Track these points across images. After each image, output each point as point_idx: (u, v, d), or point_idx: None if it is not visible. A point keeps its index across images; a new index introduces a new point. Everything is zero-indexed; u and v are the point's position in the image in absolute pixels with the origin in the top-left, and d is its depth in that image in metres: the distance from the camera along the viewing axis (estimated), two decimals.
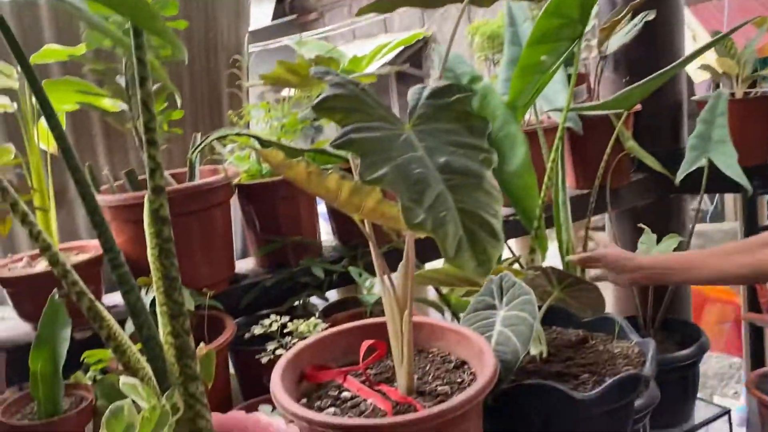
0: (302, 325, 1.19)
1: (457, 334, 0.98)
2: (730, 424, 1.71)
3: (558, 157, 1.45)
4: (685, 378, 1.64)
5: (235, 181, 1.46)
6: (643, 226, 1.63)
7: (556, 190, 1.46)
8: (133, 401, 0.69)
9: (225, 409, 1.22)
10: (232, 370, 1.40)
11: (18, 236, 1.62)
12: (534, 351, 1.06)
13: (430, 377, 0.93)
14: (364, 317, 1.41)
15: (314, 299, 1.51)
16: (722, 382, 4.10)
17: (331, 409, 0.87)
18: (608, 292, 2.78)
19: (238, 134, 1.23)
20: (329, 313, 1.48)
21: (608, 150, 1.54)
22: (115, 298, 1.33)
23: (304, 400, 0.91)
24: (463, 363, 0.95)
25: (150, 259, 0.77)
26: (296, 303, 1.40)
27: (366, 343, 0.96)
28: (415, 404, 0.84)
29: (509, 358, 0.91)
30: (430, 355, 0.99)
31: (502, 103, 1.37)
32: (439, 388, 0.89)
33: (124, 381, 0.71)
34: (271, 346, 1.18)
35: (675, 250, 1.56)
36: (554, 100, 1.49)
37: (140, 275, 1.08)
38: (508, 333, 0.95)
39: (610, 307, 2.67)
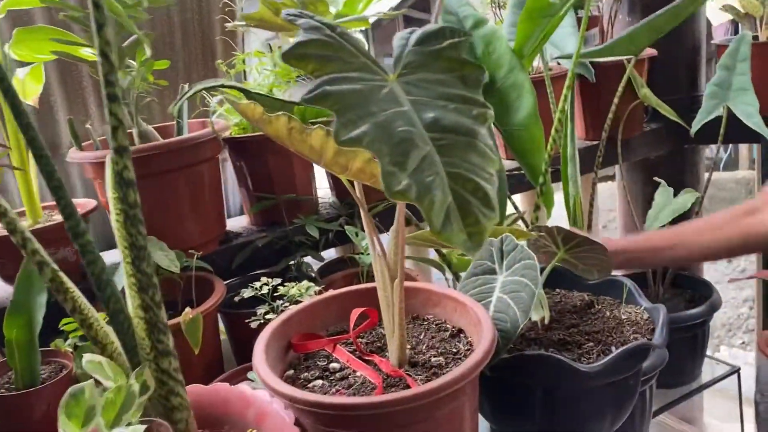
0: (293, 289, 1.13)
1: (454, 301, 0.92)
2: (740, 383, 1.66)
3: (567, 107, 1.37)
4: (694, 337, 1.59)
5: (226, 134, 1.39)
6: (658, 180, 1.55)
7: (564, 143, 1.37)
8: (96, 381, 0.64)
9: (215, 374, 1.18)
10: (225, 334, 1.35)
11: (8, 192, 1.57)
12: (536, 317, 1.00)
13: (424, 347, 0.87)
14: (360, 279, 1.35)
15: (310, 259, 1.46)
16: (730, 332, 4.07)
17: (319, 382, 0.82)
18: None
19: (222, 86, 1.15)
20: (325, 274, 1.43)
21: (616, 99, 1.45)
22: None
23: (291, 372, 0.86)
24: (460, 331, 0.89)
25: (114, 226, 0.71)
26: (290, 263, 1.34)
27: (356, 311, 0.90)
28: (406, 378, 0.79)
29: (508, 327, 0.85)
30: (426, 323, 0.94)
31: (509, 50, 1.27)
32: (433, 359, 0.83)
33: (88, 359, 0.66)
34: (261, 310, 1.13)
35: (692, 205, 1.48)
36: (563, 45, 1.39)
37: None
38: (508, 300, 0.89)
39: None
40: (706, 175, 1.97)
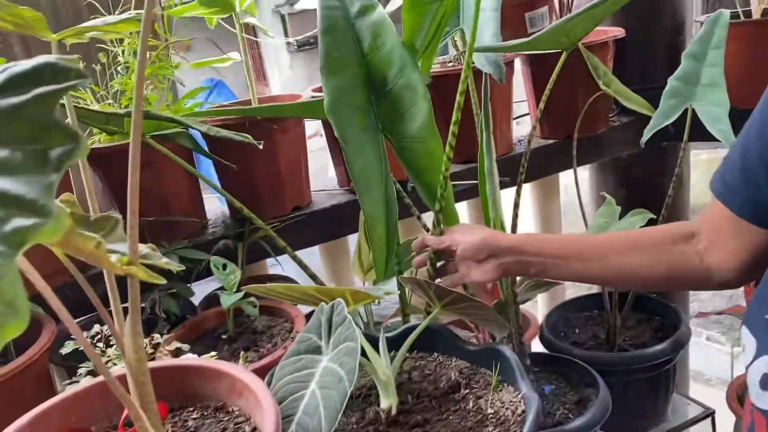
0: (111, 348, 0.93)
1: (254, 395, 0.70)
2: (714, 427, 1.42)
3: (483, 111, 1.12)
4: (656, 378, 1.34)
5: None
6: (606, 195, 1.28)
7: (480, 155, 1.13)
8: None
9: None
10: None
11: None
12: (384, 404, 0.77)
13: None
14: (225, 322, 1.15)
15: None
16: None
17: None
18: None
19: None
20: (210, 305, 1.23)
21: (549, 84, 1.19)
22: None
23: None
24: None
25: None
26: (148, 301, 1.14)
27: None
28: None
29: None
30: (226, 419, 0.73)
31: (399, 43, 1.02)
32: None
33: None
34: (82, 370, 0.94)
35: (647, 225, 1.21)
36: (481, 34, 1.12)
37: None
38: (318, 398, 0.67)
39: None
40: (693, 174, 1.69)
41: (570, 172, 1.37)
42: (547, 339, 1.42)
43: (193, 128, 0.96)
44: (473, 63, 1.16)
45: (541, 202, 1.62)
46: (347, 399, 0.65)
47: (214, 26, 1.25)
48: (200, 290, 1.27)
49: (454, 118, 0.95)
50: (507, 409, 0.74)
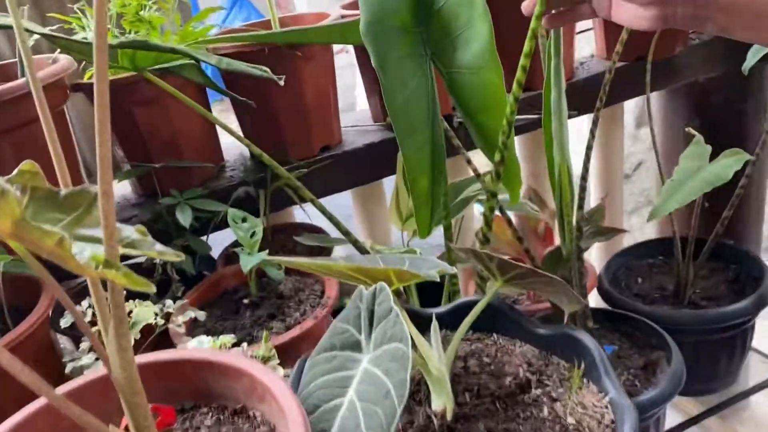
0: (143, 307, 0.81)
1: (277, 401, 0.56)
2: None
3: (554, 31, 0.91)
4: (732, 337, 1.19)
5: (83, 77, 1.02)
6: (692, 131, 1.08)
7: (546, 86, 0.93)
8: None
9: None
10: None
11: None
12: (436, 405, 0.63)
13: None
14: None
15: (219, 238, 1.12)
16: None
17: None
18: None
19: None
20: (229, 262, 1.09)
21: None
22: None
23: None
24: None
25: None
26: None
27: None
28: None
29: None
30: (245, 426, 0.60)
31: None
32: None
33: None
34: (84, 345, 0.82)
35: (740, 172, 1.01)
36: None
37: None
38: (359, 415, 0.53)
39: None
40: None
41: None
42: (606, 292, 1.26)
43: (199, 60, 0.79)
44: None
45: (603, 133, 1.43)
46: (394, 418, 0.51)
47: None
48: (219, 240, 1.13)
49: (526, 48, 0.76)
50: (591, 417, 0.60)
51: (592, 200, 1.53)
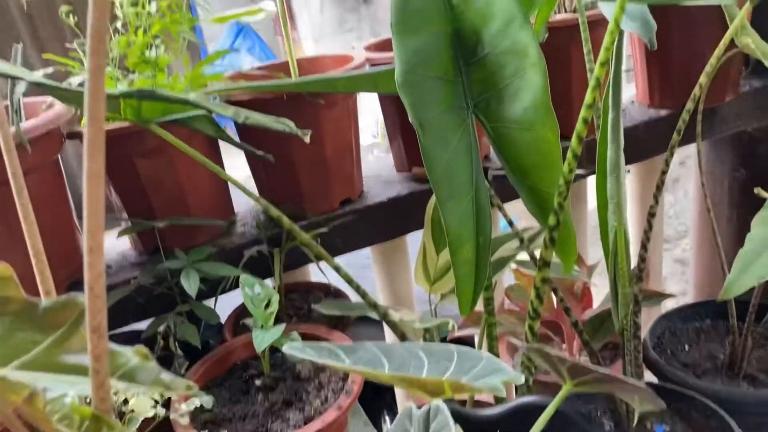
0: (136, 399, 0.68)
1: None
2: None
3: (613, 80, 0.82)
4: None
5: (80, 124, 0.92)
6: (762, 192, 0.97)
7: (602, 140, 0.83)
8: None
9: None
10: None
11: None
12: None
13: None
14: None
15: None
16: None
17: None
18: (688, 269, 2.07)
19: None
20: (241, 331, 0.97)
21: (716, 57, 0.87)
22: None
23: None
24: None
25: None
26: (160, 330, 0.88)
27: None
28: None
29: None
30: None
31: None
32: None
33: None
34: None
35: None
36: None
37: None
38: None
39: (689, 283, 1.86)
40: None
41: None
42: (653, 361, 1.14)
43: (214, 112, 0.69)
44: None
45: (641, 187, 1.32)
46: None
47: None
48: (226, 299, 1.02)
49: (588, 99, 0.66)
50: None
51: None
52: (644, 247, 0.86)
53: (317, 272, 1.09)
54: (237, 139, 0.93)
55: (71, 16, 0.87)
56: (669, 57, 1.15)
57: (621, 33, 0.81)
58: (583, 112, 0.68)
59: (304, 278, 1.15)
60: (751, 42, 1.08)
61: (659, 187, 0.87)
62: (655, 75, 1.20)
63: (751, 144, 1.32)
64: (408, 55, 0.73)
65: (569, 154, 0.70)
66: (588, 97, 0.68)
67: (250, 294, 0.82)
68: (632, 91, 1.29)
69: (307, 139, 0.72)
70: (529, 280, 1.16)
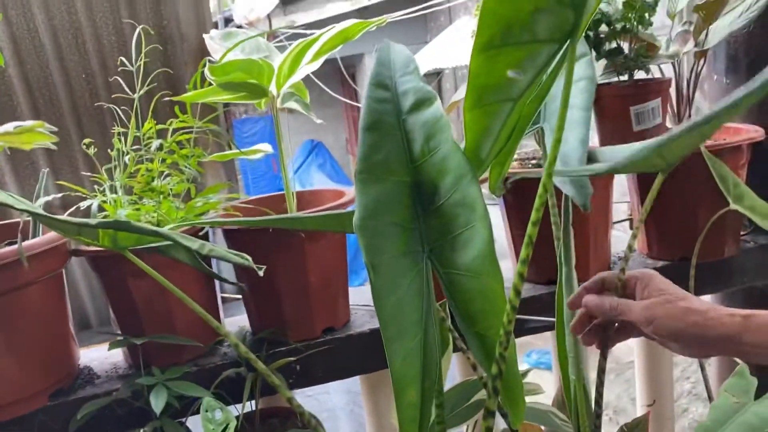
0: None
1: None
2: None
3: (563, 240, 0.84)
4: None
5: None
6: (739, 362, 0.94)
7: (558, 295, 0.84)
8: None
9: None
10: None
11: None
12: None
13: None
14: None
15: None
16: None
17: None
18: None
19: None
20: None
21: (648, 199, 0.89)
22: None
23: None
24: None
25: None
26: None
27: None
28: None
29: None
30: None
31: (457, 149, 0.78)
32: None
33: None
34: None
35: None
36: (565, 137, 0.86)
37: None
38: None
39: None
40: None
41: None
42: None
43: (177, 243, 0.75)
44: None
45: (645, 346, 1.30)
46: None
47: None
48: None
49: (522, 255, 0.69)
50: None
51: (638, 409, 1.37)
52: (598, 404, 0.84)
53: (306, 393, 1.11)
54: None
55: (92, 147, 0.99)
56: (665, 211, 1.16)
57: (569, 202, 0.84)
58: (518, 267, 0.71)
59: (282, 403, 1.16)
60: (743, 207, 1.09)
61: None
62: (653, 227, 1.21)
63: (762, 299, 1.29)
64: (368, 202, 0.79)
65: (507, 306, 0.72)
66: (522, 253, 0.71)
67: (210, 417, 0.85)
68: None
69: (261, 273, 0.77)
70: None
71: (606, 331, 0.80)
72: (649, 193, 1.18)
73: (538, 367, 3.81)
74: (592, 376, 1.00)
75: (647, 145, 0.67)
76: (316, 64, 1.01)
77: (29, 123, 0.46)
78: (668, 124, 1.19)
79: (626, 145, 0.95)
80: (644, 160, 0.69)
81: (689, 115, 1.15)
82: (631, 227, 1.35)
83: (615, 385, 3.59)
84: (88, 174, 0.99)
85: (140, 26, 0.94)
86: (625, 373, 3.64)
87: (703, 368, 1.18)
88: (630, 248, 0.97)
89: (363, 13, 6.65)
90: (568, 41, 0.64)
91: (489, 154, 0.77)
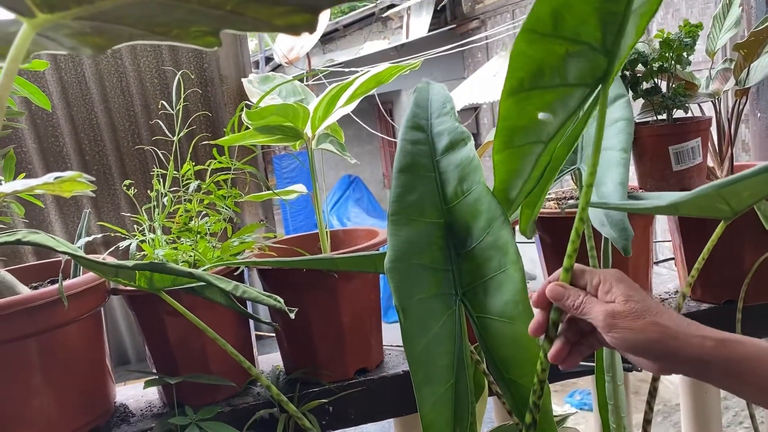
0: None
1: None
2: None
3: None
4: None
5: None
6: None
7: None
8: None
9: None
10: None
11: None
12: None
13: None
14: None
15: None
16: None
17: None
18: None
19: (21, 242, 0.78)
20: None
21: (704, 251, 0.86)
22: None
23: None
24: None
25: None
26: None
27: None
28: None
29: None
30: None
31: (488, 191, 0.78)
32: None
33: None
34: None
35: None
36: (602, 179, 0.84)
37: None
38: None
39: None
40: None
41: None
42: None
43: (212, 284, 0.76)
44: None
45: (695, 389, 1.25)
46: None
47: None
48: None
49: (554, 314, 0.67)
50: None
51: None
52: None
53: None
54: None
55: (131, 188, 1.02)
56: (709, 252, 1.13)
57: (608, 244, 0.82)
58: (552, 315, 0.69)
59: None
60: None
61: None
62: (692, 264, 1.18)
63: None
64: (399, 243, 0.79)
65: (541, 354, 0.70)
66: (552, 314, 0.69)
67: None
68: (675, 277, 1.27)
69: (293, 316, 0.78)
70: None
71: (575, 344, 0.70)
72: (690, 233, 1.17)
73: (581, 408, 3.70)
74: (637, 418, 0.95)
75: (709, 187, 0.65)
76: (351, 107, 1.03)
77: (68, 174, 0.48)
78: (710, 163, 1.16)
79: (672, 193, 0.93)
80: (705, 202, 0.67)
81: (731, 155, 1.12)
82: (675, 266, 1.31)
83: (661, 428, 3.45)
84: (128, 214, 1.01)
85: (180, 71, 0.97)
86: (673, 416, 3.50)
87: (753, 417, 1.13)
88: (683, 296, 0.95)
89: (400, 50, 6.75)
90: (600, 86, 0.63)
91: (518, 195, 0.76)
